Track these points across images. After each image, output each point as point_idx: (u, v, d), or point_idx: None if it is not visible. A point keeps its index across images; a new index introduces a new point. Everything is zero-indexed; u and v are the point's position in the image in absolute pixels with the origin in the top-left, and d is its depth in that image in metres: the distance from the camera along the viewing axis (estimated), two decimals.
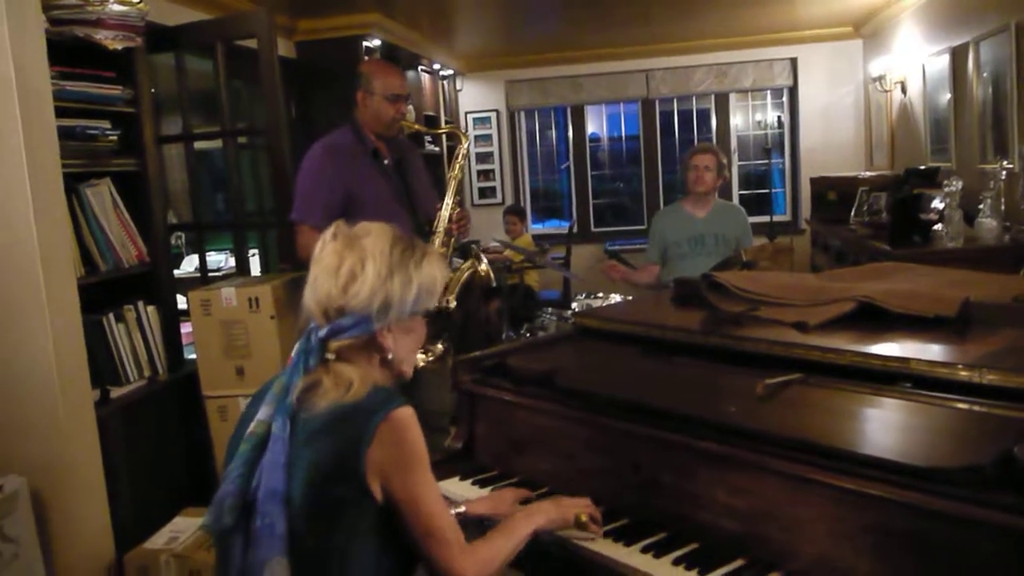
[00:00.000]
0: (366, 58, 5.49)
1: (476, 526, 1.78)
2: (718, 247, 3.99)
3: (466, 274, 3.20)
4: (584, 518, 1.65)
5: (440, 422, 3.49)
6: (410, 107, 6.25)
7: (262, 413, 1.49)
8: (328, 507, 1.41)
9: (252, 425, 1.49)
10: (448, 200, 3.24)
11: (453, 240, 3.23)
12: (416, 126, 4.51)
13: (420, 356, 2.98)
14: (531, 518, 1.63)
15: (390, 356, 1.54)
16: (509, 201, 8.22)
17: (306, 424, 1.45)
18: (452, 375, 2.25)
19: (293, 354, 1.52)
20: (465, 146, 3.41)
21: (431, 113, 7.06)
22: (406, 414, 1.45)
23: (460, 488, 1.99)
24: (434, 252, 1.60)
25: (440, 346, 3.14)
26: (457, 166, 3.33)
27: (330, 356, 1.50)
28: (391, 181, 3.31)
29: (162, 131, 4.03)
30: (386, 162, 3.33)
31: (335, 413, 1.44)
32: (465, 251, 3.32)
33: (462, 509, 1.79)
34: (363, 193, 3.19)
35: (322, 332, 1.49)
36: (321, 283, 1.51)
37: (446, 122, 7.41)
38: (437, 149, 6.85)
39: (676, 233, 4.08)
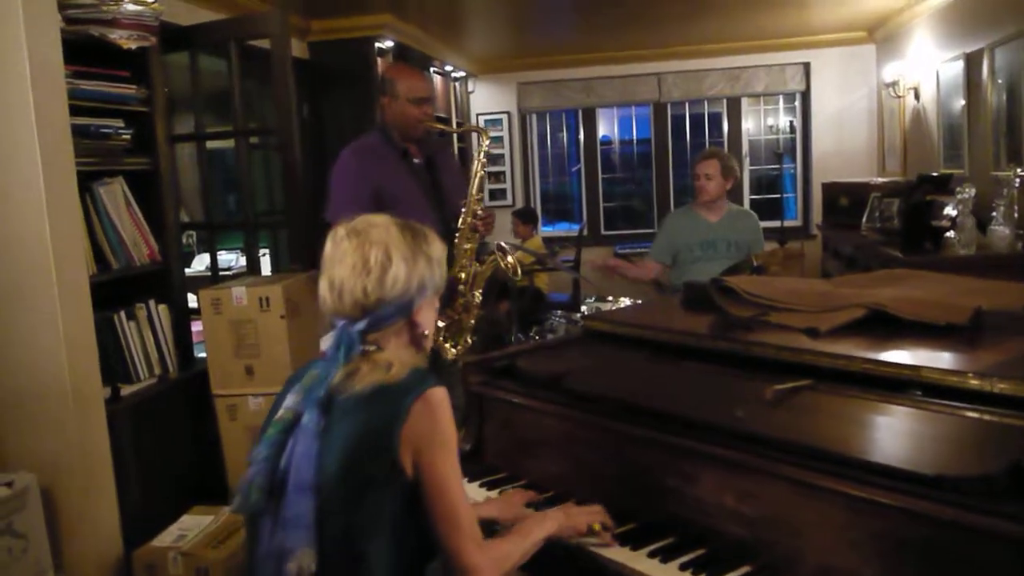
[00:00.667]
0: (378, 59, 5.51)
1: (483, 529, 1.78)
2: (730, 252, 3.98)
3: (491, 268, 3.22)
4: (597, 527, 1.66)
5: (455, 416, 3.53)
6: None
7: (290, 400, 1.55)
8: (359, 483, 1.44)
9: (280, 411, 1.54)
10: (472, 197, 3.27)
11: (477, 236, 3.25)
12: (440, 126, 4.54)
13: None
14: (544, 524, 1.64)
15: (425, 331, 1.62)
16: (519, 203, 8.22)
17: (343, 404, 1.49)
18: (462, 374, 2.26)
19: (327, 349, 1.56)
20: (487, 143, 3.43)
21: (443, 115, 7.07)
22: (441, 393, 1.50)
23: (468, 490, 1.98)
24: (428, 229, 1.66)
25: (455, 350, 3.17)
26: (478, 162, 3.35)
27: (370, 348, 1.55)
28: (420, 179, 3.34)
29: (175, 130, 4.05)
30: (416, 161, 3.36)
31: (374, 392, 1.48)
32: (481, 250, 3.34)
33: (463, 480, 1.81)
34: (392, 191, 3.22)
35: (361, 325, 1.53)
36: (351, 282, 1.54)
37: (457, 124, 7.43)
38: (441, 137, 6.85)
39: (688, 237, 4.06)
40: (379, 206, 3.17)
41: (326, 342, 1.60)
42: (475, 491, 1.98)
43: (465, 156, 7.28)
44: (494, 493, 1.96)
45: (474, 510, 1.56)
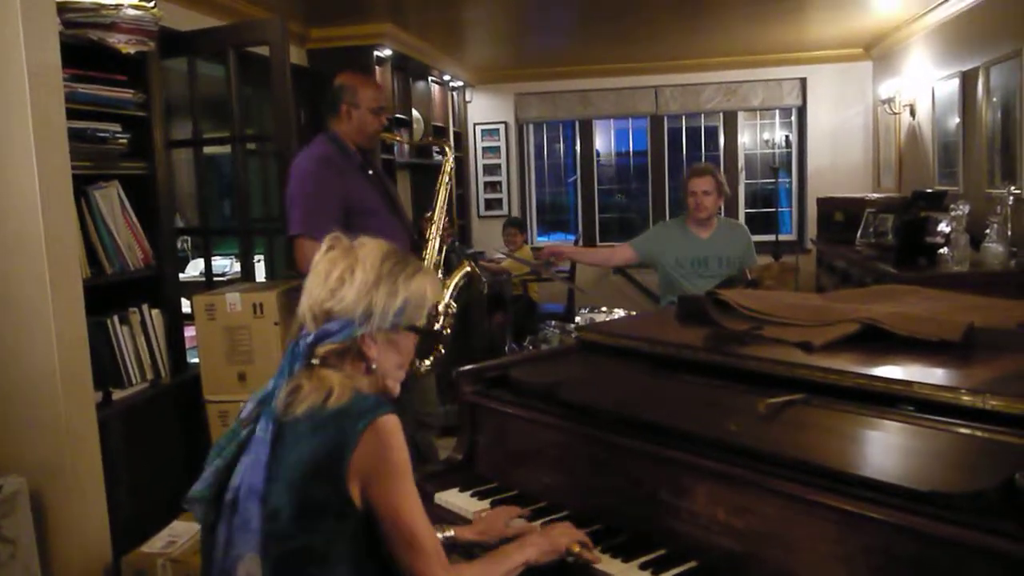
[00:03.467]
0: (377, 68, 5.52)
1: (463, 551, 1.78)
2: (722, 268, 3.97)
3: (461, 274, 3.23)
4: (576, 548, 1.63)
5: (427, 419, 3.54)
6: (416, 115, 6.30)
7: (244, 411, 1.54)
8: (310, 510, 1.42)
9: (235, 423, 1.54)
10: (439, 208, 3.32)
11: (446, 247, 3.28)
12: (397, 137, 4.55)
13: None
14: (523, 550, 1.61)
15: (373, 366, 1.56)
16: (515, 213, 8.23)
17: (290, 428, 1.46)
18: (443, 383, 2.25)
19: (281, 360, 1.56)
20: (451, 159, 3.47)
21: (440, 124, 7.09)
22: (391, 422, 1.46)
23: (459, 499, 1.99)
24: (428, 271, 1.64)
25: (427, 363, 3.16)
26: (446, 175, 3.40)
27: (315, 361, 1.52)
28: (381, 192, 3.32)
29: (172, 135, 4.05)
30: (371, 172, 3.34)
31: (320, 417, 1.44)
32: (450, 259, 3.38)
33: (451, 533, 1.78)
34: (360, 204, 3.17)
35: (310, 337, 1.52)
36: (313, 289, 1.55)
37: (455, 133, 7.44)
38: (440, 157, 6.85)
39: (678, 252, 4.04)
40: (348, 218, 3.07)
41: None
42: (466, 501, 1.98)
43: (462, 156, 7.29)
44: (485, 503, 1.95)
45: (435, 533, 1.52)
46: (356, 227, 3.14)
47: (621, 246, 4.27)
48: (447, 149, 3.58)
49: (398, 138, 4.28)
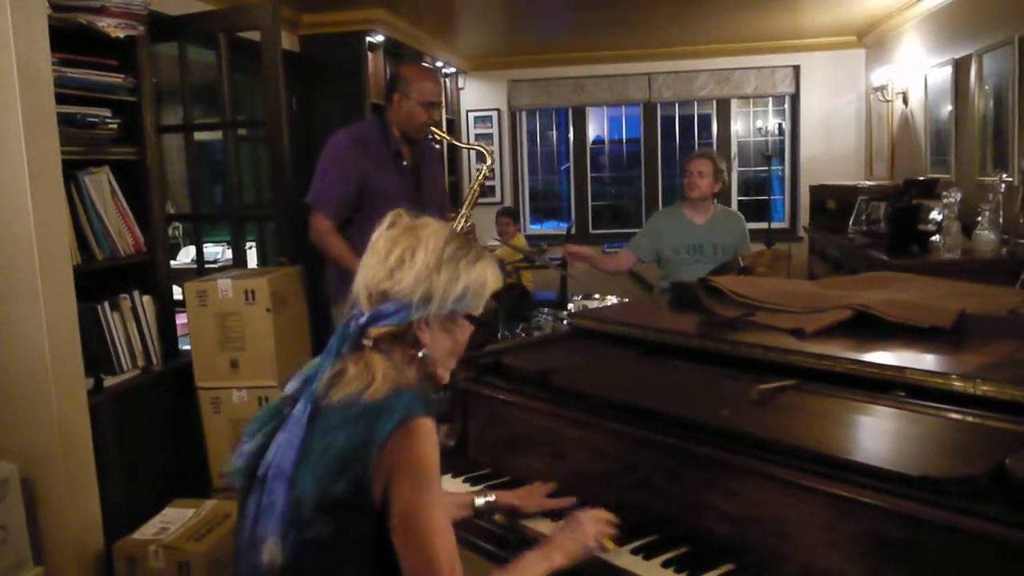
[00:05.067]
0: (369, 54, 5.49)
1: (506, 514, 1.79)
2: (716, 255, 3.99)
3: None
4: (610, 545, 1.59)
5: None
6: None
7: (288, 386, 1.49)
8: (332, 503, 1.37)
9: (276, 399, 1.50)
10: (464, 211, 3.46)
11: None
12: (445, 135, 4.59)
13: None
14: (550, 557, 1.53)
15: (423, 353, 1.50)
16: (508, 201, 8.23)
17: (326, 415, 1.41)
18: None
19: (332, 339, 1.49)
20: (488, 164, 3.58)
21: (449, 136, 7.06)
22: (425, 424, 1.38)
23: (452, 486, 1.99)
24: (489, 257, 1.56)
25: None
26: (481, 177, 3.56)
27: (367, 342, 1.46)
28: (405, 181, 3.40)
29: (162, 121, 4.03)
30: (405, 163, 3.42)
31: (354, 410, 1.39)
32: None
33: (492, 497, 1.78)
34: (377, 186, 3.28)
35: (363, 318, 1.46)
36: (370, 267, 1.49)
37: (447, 120, 7.42)
38: (437, 146, 6.84)
39: (674, 238, 4.06)
40: (363, 199, 3.23)
41: None
42: (458, 487, 1.98)
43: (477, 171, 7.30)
44: (478, 489, 1.95)
45: (455, 546, 1.40)
46: (368, 208, 3.25)
47: (622, 253, 4.27)
48: (486, 154, 3.67)
49: (445, 136, 4.33)
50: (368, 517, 1.37)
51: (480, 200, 8.65)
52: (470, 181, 8.29)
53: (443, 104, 3.55)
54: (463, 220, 3.47)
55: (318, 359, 1.49)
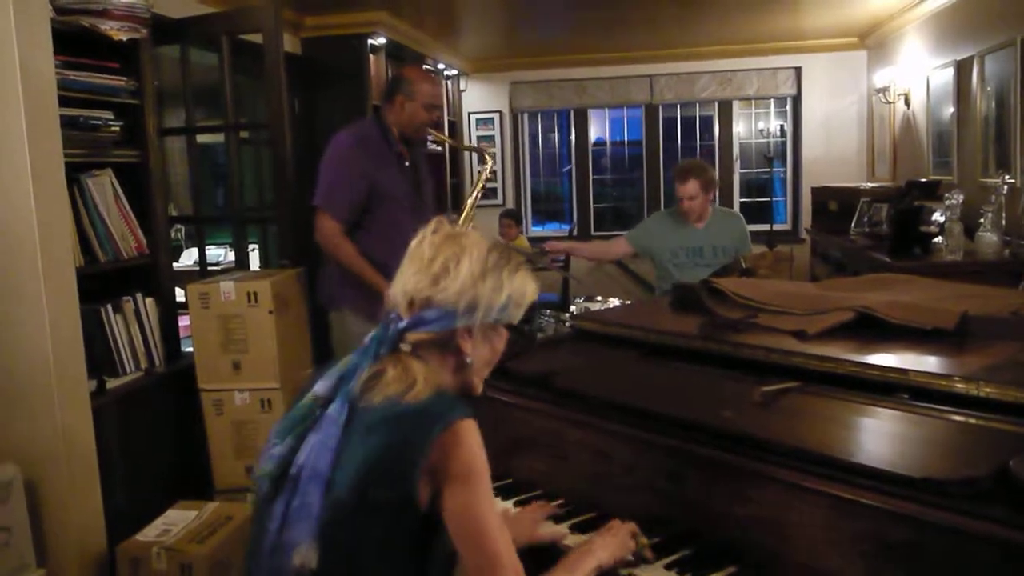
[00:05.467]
0: (371, 56, 5.49)
1: None
2: (716, 257, 3.97)
3: None
4: (648, 554, 1.59)
5: None
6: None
7: (319, 387, 1.45)
8: (369, 507, 1.35)
9: (307, 398, 1.45)
10: (467, 210, 3.48)
11: None
12: (444, 137, 4.61)
13: None
14: (593, 554, 1.53)
15: (468, 360, 1.49)
16: (510, 203, 8.23)
17: (364, 416, 1.40)
18: None
19: (367, 339, 1.48)
20: (490, 165, 3.59)
21: (450, 138, 7.08)
22: (469, 426, 1.38)
23: None
24: (528, 267, 1.56)
25: None
26: (483, 179, 3.57)
27: (405, 347, 1.46)
28: (408, 182, 3.42)
29: (165, 123, 4.03)
30: (407, 163, 3.43)
31: (395, 412, 1.38)
32: None
33: (498, 507, 1.74)
34: (385, 189, 3.29)
35: (403, 323, 1.45)
36: (411, 274, 1.47)
37: (449, 122, 7.42)
38: (439, 148, 6.86)
39: (673, 241, 4.04)
40: (369, 204, 3.23)
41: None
42: None
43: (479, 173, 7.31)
44: None
45: (511, 543, 1.39)
46: (376, 210, 3.26)
47: (616, 240, 4.27)
48: (488, 157, 3.67)
49: (444, 138, 4.36)
50: (410, 520, 1.36)
51: (482, 202, 8.66)
52: (472, 183, 8.30)
53: (441, 106, 3.55)
54: (467, 221, 3.49)
55: (353, 357, 1.47)
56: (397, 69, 3.53)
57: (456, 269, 1.45)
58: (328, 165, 3.31)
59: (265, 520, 1.42)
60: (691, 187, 3.94)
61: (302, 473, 1.38)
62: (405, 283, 1.47)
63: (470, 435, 1.37)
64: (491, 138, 8.26)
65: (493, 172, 8.35)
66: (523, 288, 1.52)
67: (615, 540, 1.58)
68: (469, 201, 3.54)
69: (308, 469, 1.38)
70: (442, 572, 1.44)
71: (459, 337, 1.47)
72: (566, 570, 1.51)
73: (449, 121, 7.47)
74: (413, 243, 1.51)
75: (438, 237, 1.49)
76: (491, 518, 1.37)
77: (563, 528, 1.75)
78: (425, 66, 6.69)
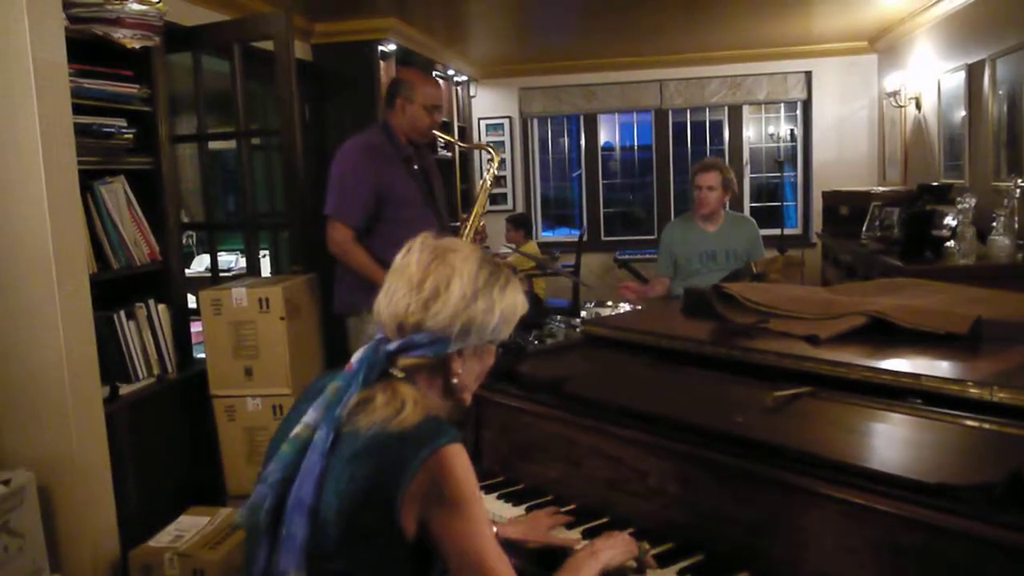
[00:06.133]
0: (381, 62, 5.51)
1: (507, 549, 1.68)
2: (729, 262, 3.97)
3: None
4: (647, 546, 1.58)
5: None
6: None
7: (308, 416, 1.42)
8: (356, 534, 1.34)
9: (298, 428, 1.41)
10: (478, 209, 3.49)
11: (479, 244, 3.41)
12: (450, 137, 4.62)
13: None
14: (596, 556, 1.52)
15: (455, 381, 1.47)
16: (520, 207, 8.23)
17: (349, 441, 1.37)
18: None
19: (354, 361, 1.44)
20: (497, 162, 3.60)
21: (445, 119, 7.08)
22: (455, 451, 1.35)
23: None
24: (516, 280, 1.53)
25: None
26: (489, 177, 3.57)
27: (397, 373, 1.42)
28: (420, 184, 3.44)
29: (177, 130, 4.05)
30: (415, 167, 3.46)
31: (381, 438, 1.34)
32: None
33: (494, 530, 1.69)
34: (396, 194, 3.32)
35: (392, 346, 1.42)
36: (400, 295, 1.43)
37: (459, 128, 7.44)
38: (449, 154, 6.87)
39: (687, 248, 4.05)
40: (380, 206, 3.25)
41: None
42: None
43: (486, 170, 7.34)
44: (491, 497, 1.95)
45: (507, 560, 1.38)
46: (388, 215, 3.29)
47: (657, 278, 4.24)
48: (493, 153, 3.67)
49: (449, 138, 4.37)
50: (395, 547, 1.33)
51: (491, 208, 8.68)
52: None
53: (443, 108, 3.56)
54: (476, 221, 3.49)
55: (338, 382, 1.43)
56: (395, 73, 3.55)
57: (447, 292, 1.41)
58: (336, 174, 3.34)
59: (255, 550, 1.41)
60: (712, 177, 3.99)
61: (288, 503, 1.36)
62: (395, 305, 1.43)
63: (458, 459, 1.35)
64: (501, 143, 8.27)
65: (500, 171, 8.35)
66: (513, 304, 1.50)
67: (619, 543, 1.57)
68: (478, 202, 3.57)
69: (293, 498, 1.35)
70: None
71: (451, 360, 1.45)
72: (571, 571, 1.50)
73: (459, 127, 7.48)
74: (398, 258, 1.47)
75: (425, 255, 1.45)
76: (487, 543, 1.36)
77: (575, 534, 1.75)
78: (435, 72, 6.71)
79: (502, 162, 8.28)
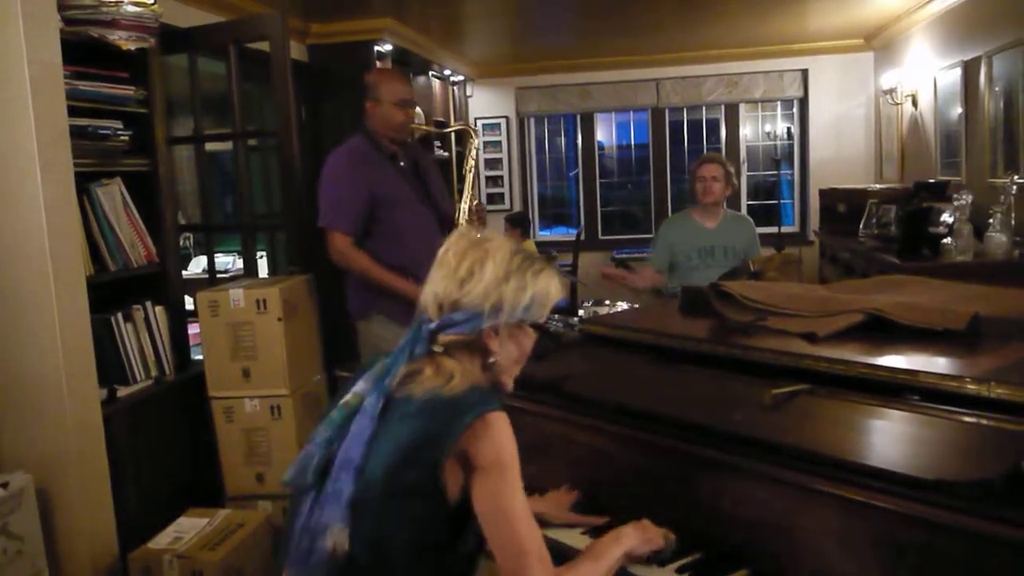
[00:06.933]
0: (376, 64, 5.51)
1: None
2: (727, 259, 3.98)
3: None
4: (672, 536, 1.60)
5: None
6: (418, 110, 6.36)
7: (358, 387, 1.54)
8: (400, 491, 1.41)
9: (348, 396, 1.53)
10: (466, 193, 3.47)
11: (477, 228, 3.39)
12: (425, 127, 4.62)
13: None
14: (620, 541, 1.56)
15: (493, 359, 1.56)
16: (517, 207, 8.23)
17: (400, 405, 1.47)
18: None
19: (401, 341, 1.55)
20: (476, 143, 3.58)
21: (441, 119, 7.08)
22: (500, 418, 1.45)
23: None
24: (553, 269, 1.63)
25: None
26: (470, 161, 3.54)
27: (438, 349, 1.53)
28: (411, 183, 3.43)
29: (173, 132, 4.05)
30: (402, 164, 3.44)
31: (431, 401, 1.45)
32: None
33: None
34: (387, 195, 3.31)
35: (433, 324, 1.53)
36: (440, 279, 1.55)
37: (441, 124, 7.43)
38: (446, 154, 6.87)
39: (685, 243, 4.06)
40: (374, 209, 3.24)
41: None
42: None
43: (466, 152, 7.32)
44: None
45: (540, 534, 1.44)
46: (382, 216, 3.29)
47: (648, 270, 4.24)
48: (472, 133, 3.67)
49: (427, 128, 4.37)
50: (437, 505, 1.41)
51: (489, 207, 8.67)
52: (478, 185, 8.31)
53: (413, 100, 3.55)
54: (469, 201, 3.49)
55: (385, 359, 1.55)
56: (364, 76, 3.55)
57: (481, 272, 1.52)
58: (326, 185, 3.34)
59: (299, 506, 1.49)
60: (715, 168, 4.06)
61: (335, 461, 1.45)
62: (435, 287, 1.55)
63: (501, 425, 1.44)
64: (498, 143, 8.27)
65: (497, 169, 8.34)
66: (547, 288, 1.58)
67: (644, 532, 1.60)
68: (465, 184, 3.57)
69: (341, 457, 1.45)
70: (463, 572, 1.49)
71: (486, 337, 1.54)
72: (593, 557, 1.53)
73: (439, 122, 7.46)
74: (440, 251, 1.58)
75: (463, 244, 1.56)
76: (518, 507, 1.41)
77: (576, 532, 1.76)
78: (431, 72, 6.71)
79: (498, 162, 8.30)
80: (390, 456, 1.43)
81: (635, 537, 1.58)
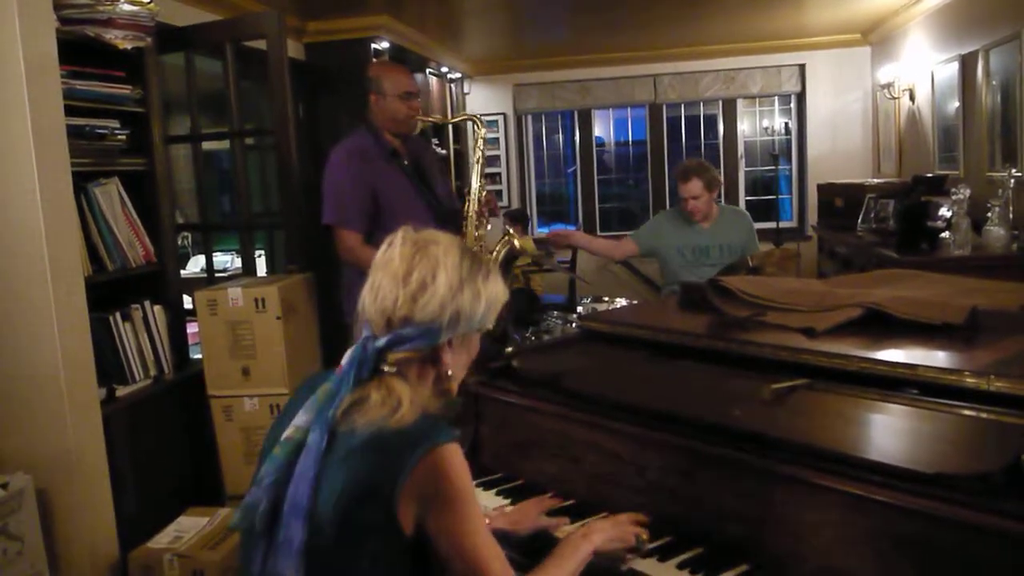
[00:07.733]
0: (374, 60, 5.50)
1: (499, 540, 1.67)
2: (723, 256, 3.95)
3: (504, 250, 3.27)
4: (644, 536, 1.59)
5: None
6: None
7: (300, 419, 1.42)
8: (354, 531, 1.34)
9: (289, 430, 1.42)
10: (475, 184, 3.43)
11: (486, 220, 3.40)
12: (432, 118, 4.61)
13: None
14: (588, 538, 1.54)
15: (449, 372, 1.48)
16: (515, 204, 8.23)
17: (345, 440, 1.37)
18: None
19: (344, 362, 1.44)
20: (483, 132, 3.56)
21: (438, 115, 7.07)
22: (451, 450, 1.36)
23: None
24: (496, 268, 1.56)
25: None
26: (478, 151, 3.50)
27: (388, 368, 1.42)
28: (412, 180, 3.42)
29: (170, 131, 4.04)
30: (405, 162, 3.43)
31: (379, 436, 1.35)
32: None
33: (486, 521, 1.70)
34: (388, 193, 3.31)
35: (381, 342, 1.42)
36: (387, 290, 1.43)
37: (453, 126, 7.42)
38: (444, 152, 6.86)
39: (679, 240, 4.03)
40: (376, 209, 3.25)
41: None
42: None
43: (463, 150, 7.30)
44: (490, 493, 1.95)
45: (502, 553, 1.39)
46: (387, 213, 3.28)
47: (624, 240, 4.25)
48: (478, 123, 3.64)
49: (434, 119, 4.36)
50: (394, 544, 1.34)
51: None
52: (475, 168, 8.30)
53: (418, 92, 3.51)
54: (479, 194, 3.45)
55: (329, 385, 1.44)
56: (365, 71, 3.52)
57: (434, 284, 1.42)
58: (330, 183, 3.33)
59: (252, 552, 1.41)
60: (694, 186, 3.92)
61: (284, 506, 1.36)
62: (382, 300, 1.43)
63: (452, 458, 1.35)
64: (495, 140, 8.27)
65: (495, 167, 8.34)
66: (496, 292, 1.51)
67: (614, 527, 1.58)
68: (473, 179, 3.52)
69: (289, 503, 1.35)
70: None
71: (441, 351, 1.46)
72: (561, 556, 1.51)
73: (453, 124, 7.46)
74: (379, 254, 1.47)
75: (408, 248, 1.46)
76: (482, 541, 1.36)
77: (563, 518, 1.76)
78: (428, 69, 6.70)
79: (496, 159, 8.30)
80: (340, 496, 1.33)
81: (605, 533, 1.56)
